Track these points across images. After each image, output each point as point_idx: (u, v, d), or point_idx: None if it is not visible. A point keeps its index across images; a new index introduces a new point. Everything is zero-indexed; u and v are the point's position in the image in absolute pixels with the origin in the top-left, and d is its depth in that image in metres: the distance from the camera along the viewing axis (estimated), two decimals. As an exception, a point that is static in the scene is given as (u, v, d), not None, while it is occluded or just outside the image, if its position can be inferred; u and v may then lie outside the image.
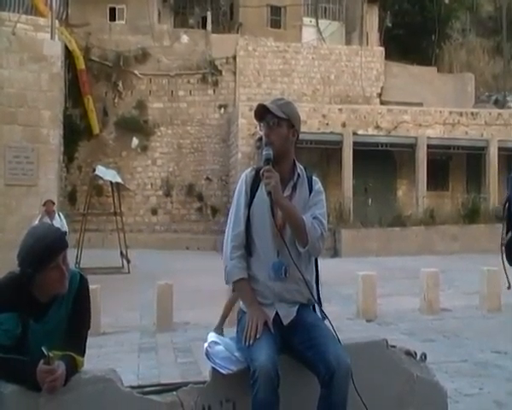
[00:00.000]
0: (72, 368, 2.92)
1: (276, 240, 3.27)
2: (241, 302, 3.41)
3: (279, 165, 3.31)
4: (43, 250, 2.88)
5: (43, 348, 2.75)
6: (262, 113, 3.36)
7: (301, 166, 3.44)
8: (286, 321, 3.26)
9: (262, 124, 3.37)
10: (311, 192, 3.38)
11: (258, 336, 3.09)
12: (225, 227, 3.43)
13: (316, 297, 3.42)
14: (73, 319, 3.03)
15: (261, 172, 3.22)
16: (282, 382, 3.00)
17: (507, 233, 4.37)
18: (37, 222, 11.57)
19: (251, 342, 3.09)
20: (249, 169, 3.46)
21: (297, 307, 3.30)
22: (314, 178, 3.45)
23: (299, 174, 3.38)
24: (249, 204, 3.34)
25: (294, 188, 3.36)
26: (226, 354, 3.23)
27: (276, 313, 3.27)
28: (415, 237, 23.51)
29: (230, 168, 29.04)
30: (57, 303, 3.00)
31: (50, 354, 2.77)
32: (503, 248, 4.33)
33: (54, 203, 13.38)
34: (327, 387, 3.02)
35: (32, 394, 2.84)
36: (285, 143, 3.34)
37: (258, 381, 2.94)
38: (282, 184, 3.29)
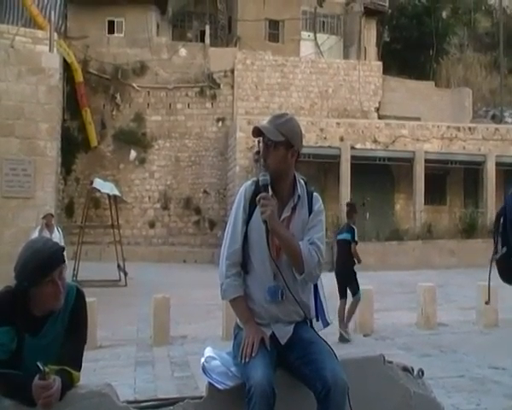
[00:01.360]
0: (68, 383, 2.90)
1: (273, 263, 3.21)
2: (237, 318, 3.38)
3: (278, 185, 3.26)
4: (39, 264, 2.87)
5: (38, 363, 2.73)
6: (259, 132, 3.28)
7: (302, 182, 3.36)
8: (283, 341, 3.24)
9: (260, 142, 3.30)
10: (310, 212, 3.30)
11: (253, 355, 3.08)
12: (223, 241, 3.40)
13: (313, 315, 3.41)
14: (70, 333, 3.01)
15: (257, 198, 3.16)
16: (277, 397, 2.98)
17: (502, 247, 4.20)
18: (36, 234, 11.57)
19: (247, 360, 3.07)
20: (249, 182, 3.38)
21: (293, 325, 3.28)
22: (315, 195, 3.36)
23: (299, 196, 3.29)
24: (247, 220, 3.28)
25: (294, 209, 3.29)
26: (223, 370, 3.21)
27: (273, 333, 3.25)
28: (412, 251, 23.52)
29: (228, 182, 29.05)
30: (53, 317, 2.99)
31: (46, 369, 2.75)
32: (495, 262, 4.19)
33: (53, 216, 13.35)
34: (323, 403, 2.99)
35: (27, 409, 2.82)
36: (283, 165, 3.25)
37: (253, 398, 2.91)
38: (282, 205, 3.25)
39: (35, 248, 2.95)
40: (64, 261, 3.01)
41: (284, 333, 3.25)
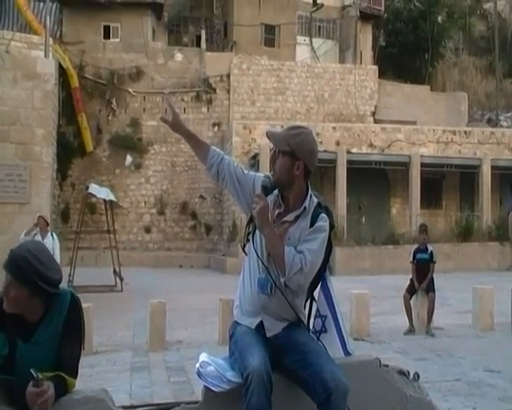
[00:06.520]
0: (62, 389, 2.88)
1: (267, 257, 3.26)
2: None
3: (285, 192, 3.32)
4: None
5: (31, 370, 2.71)
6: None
7: (315, 200, 3.35)
8: (269, 334, 3.23)
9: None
10: (311, 227, 3.29)
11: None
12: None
13: (304, 319, 3.40)
14: (65, 340, 2.98)
15: (253, 196, 3.25)
16: (275, 401, 2.97)
17: None
18: (24, 233, 11.59)
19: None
20: (261, 175, 3.45)
21: (285, 324, 3.27)
22: (322, 215, 3.31)
23: (305, 207, 3.29)
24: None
25: (297, 218, 3.30)
26: (217, 375, 3.20)
27: (261, 322, 3.25)
28: (408, 255, 23.44)
29: (224, 186, 28.99)
30: (46, 322, 2.96)
31: (40, 376, 2.73)
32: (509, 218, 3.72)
33: (47, 223, 13.04)
34: (324, 407, 2.98)
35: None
36: (285, 175, 3.27)
37: (251, 386, 2.91)
38: (288, 210, 3.30)
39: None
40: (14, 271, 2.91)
41: (272, 326, 3.25)
